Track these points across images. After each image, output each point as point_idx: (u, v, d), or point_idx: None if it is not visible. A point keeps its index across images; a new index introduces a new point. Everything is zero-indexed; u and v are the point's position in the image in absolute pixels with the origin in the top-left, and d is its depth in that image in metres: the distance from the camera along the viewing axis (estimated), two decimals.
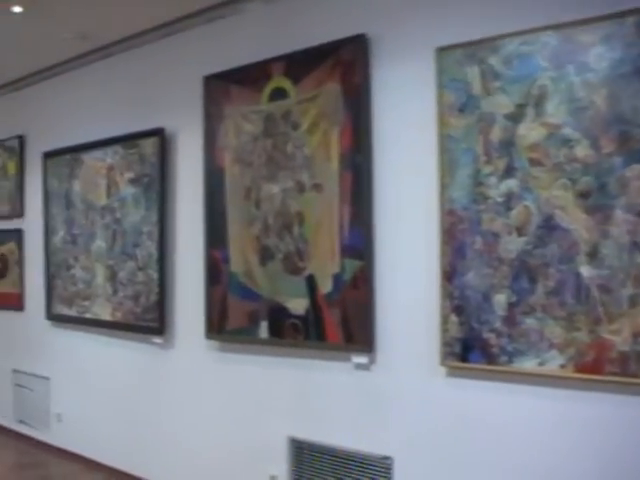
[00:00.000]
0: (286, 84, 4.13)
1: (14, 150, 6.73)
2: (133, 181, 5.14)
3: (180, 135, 4.91)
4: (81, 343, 5.85)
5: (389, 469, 3.71)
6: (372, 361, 3.76)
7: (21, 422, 6.68)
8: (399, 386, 3.66)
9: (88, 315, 5.61)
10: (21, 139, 6.65)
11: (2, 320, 6.95)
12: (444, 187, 3.37)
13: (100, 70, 5.65)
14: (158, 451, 5.08)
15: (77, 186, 5.74)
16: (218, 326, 4.44)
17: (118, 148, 5.30)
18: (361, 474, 3.83)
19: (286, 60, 4.13)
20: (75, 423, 5.94)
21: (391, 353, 3.68)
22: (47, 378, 6.25)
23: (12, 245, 6.69)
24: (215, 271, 4.45)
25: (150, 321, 4.97)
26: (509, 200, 3.16)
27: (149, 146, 5.01)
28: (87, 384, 5.80)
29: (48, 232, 6.09)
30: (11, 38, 5.26)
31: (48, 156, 6.11)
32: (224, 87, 4.47)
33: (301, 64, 4.04)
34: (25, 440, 6.57)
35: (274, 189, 4.14)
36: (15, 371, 6.75)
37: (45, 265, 6.13)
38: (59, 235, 5.95)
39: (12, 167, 6.75)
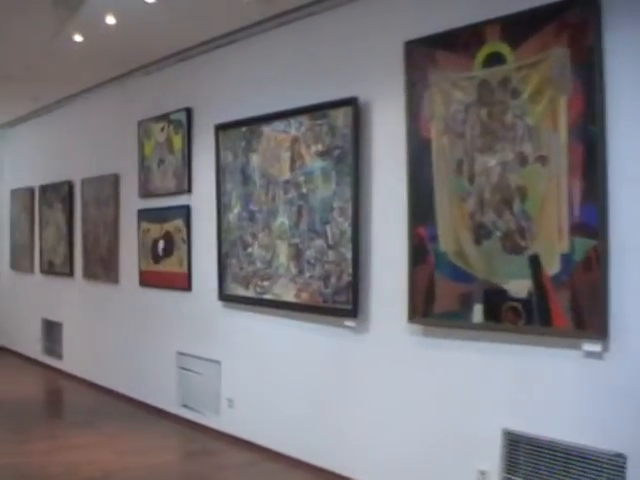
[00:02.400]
0: (503, 48, 4.22)
1: (180, 123, 7.12)
2: (322, 154, 5.37)
3: (375, 104, 5.08)
4: (257, 325, 6.16)
5: (622, 468, 3.76)
6: (605, 349, 3.82)
7: (185, 407, 7.11)
8: (636, 378, 3.70)
9: (268, 296, 5.90)
10: (188, 112, 7.02)
11: (166, 301, 7.39)
12: None
13: (284, 36, 5.90)
14: (346, 442, 5.31)
15: (256, 160, 6.03)
16: (423, 309, 4.61)
17: (304, 119, 5.53)
18: (586, 473, 3.88)
19: (502, 23, 4.21)
20: (248, 409, 6.28)
21: (628, 342, 3.73)
22: (217, 361, 6.62)
23: (178, 222, 7.09)
24: (420, 250, 4.62)
25: (342, 303, 5.19)
26: None
27: (340, 116, 5.22)
28: (263, 368, 6.11)
29: (221, 209, 6.42)
30: (184, 5, 5.57)
31: (221, 129, 6.44)
32: (429, 53, 4.60)
33: (520, 27, 4.11)
34: (190, 425, 6.98)
35: (491, 162, 4.25)
36: (180, 354, 7.18)
37: (218, 243, 6.48)
38: (234, 212, 6.27)
39: (178, 141, 7.15)
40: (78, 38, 6.23)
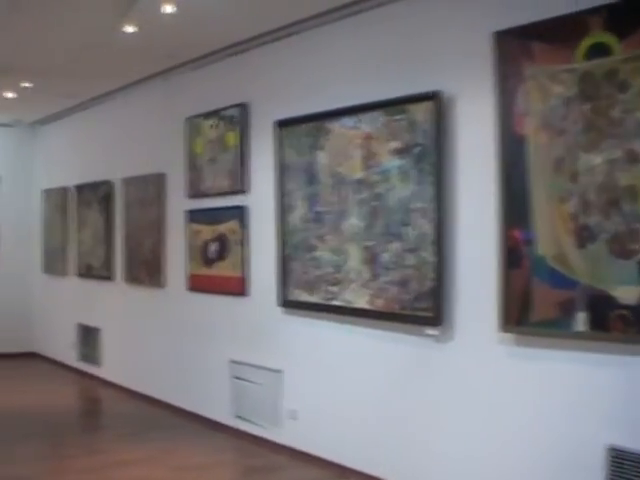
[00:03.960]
0: (608, 39, 4.10)
1: (234, 120, 7.05)
2: (399, 152, 5.27)
3: (460, 99, 4.98)
4: (324, 333, 6.07)
5: None
6: None
7: (240, 418, 7.03)
8: None
9: (337, 302, 5.81)
10: (244, 107, 6.95)
11: (217, 306, 7.33)
12: None
13: (353, 27, 5.81)
14: (424, 459, 5.21)
15: (323, 158, 5.94)
16: (517, 317, 4.50)
17: (378, 114, 5.44)
18: None
19: (607, 11, 4.10)
20: (314, 421, 6.19)
21: None
22: (279, 371, 6.54)
23: (233, 224, 7.02)
24: (514, 254, 4.51)
25: (423, 310, 5.09)
26: None
27: (421, 112, 5.12)
28: (330, 378, 6.02)
29: (283, 210, 6.34)
30: None
31: (283, 125, 6.35)
32: (523, 44, 4.49)
33: (628, 16, 4.01)
34: (246, 438, 6.90)
35: (596, 160, 4.14)
36: (233, 362, 7.10)
37: (279, 246, 6.39)
38: (297, 213, 6.18)
39: (232, 138, 7.08)
40: (131, 29, 6.14)
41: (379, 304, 5.44)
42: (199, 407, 7.63)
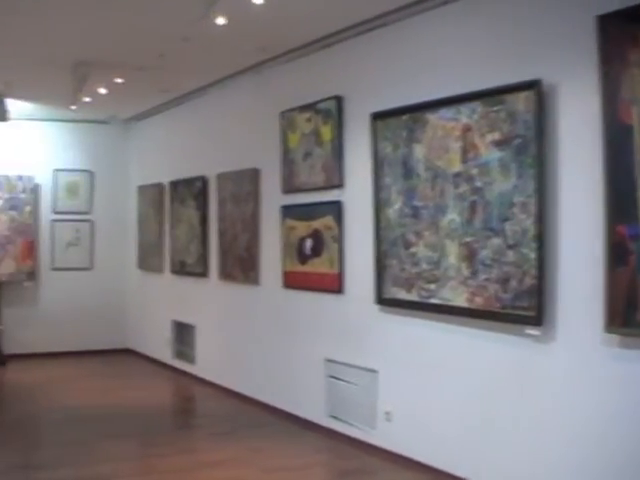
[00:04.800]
0: None
1: (330, 113, 7.10)
2: (499, 143, 5.23)
3: (561, 87, 4.90)
4: (421, 332, 6.07)
5: None
6: None
7: (334, 418, 7.08)
8: None
9: (434, 300, 5.81)
10: (339, 100, 6.99)
11: (313, 304, 7.40)
12: None
13: (449, 14, 5.79)
14: (524, 463, 5.15)
15: (420, 151, 5.94)
16: (623, 317, 4.41)
17: (476, 105, 5.41)
18: None
19: None
20: (409, 423, 6.20)
21: None
22: (374, 371, 6.57)
23: (328, 219, 7.08)
24: (620, 250, 4.41)
25: (523, 309, 5.05)
26: None
27: (521, 101, 5.07)
28: (426, 379, 6.03)
29: (379, 204, 6.36)
30: None
31: (378, 117, 6.38)
32: (628, 28, 4.39)
33: None
34: (340, 439, 6.95)
35: None
36: (329, 361, 7.16)
37: (375, 242, 6.42)
38: (394, 208, 6.20)
39: (327, 132, 7.14)
40: (221, 21, 6.20)
41: (478, 302, 5.41)
42: (292, 406, 7.74)
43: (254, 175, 8.42)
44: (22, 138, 11.63)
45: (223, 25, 6.14)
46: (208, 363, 9.67)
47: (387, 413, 6.42)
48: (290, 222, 7.66)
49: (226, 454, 6.62)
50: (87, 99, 9.05)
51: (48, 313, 11.79)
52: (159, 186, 10.98)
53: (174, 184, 10.47)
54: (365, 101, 6.66)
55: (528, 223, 5.02)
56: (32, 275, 11.69)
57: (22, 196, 11.58)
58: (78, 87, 8.46)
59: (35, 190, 11.76)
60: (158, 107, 10.76)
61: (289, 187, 7.71)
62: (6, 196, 11.49)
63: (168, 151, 10.85)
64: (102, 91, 8.73)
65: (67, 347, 11.72)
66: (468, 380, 5.63)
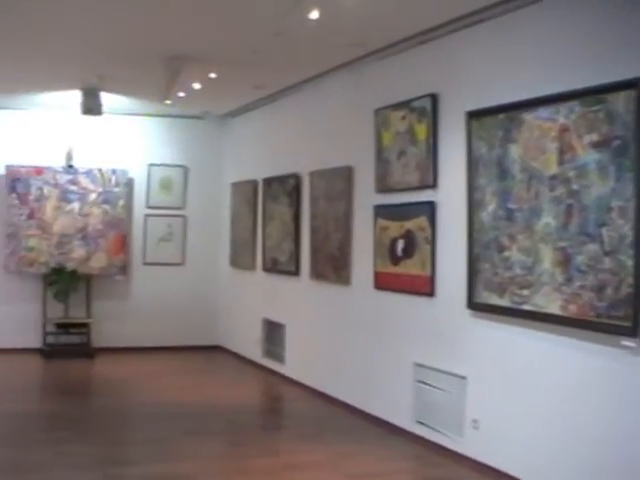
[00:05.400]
0: None
1: (424, 111, 7.10)
2: (597, 145, 5.15)
3: None
4: (512, 339, 6.02)
5: None
6: None
7: (421, 423, 7.08)
8: None
9: (527, 307, 5.76)
10: (434, 98, 6.98)
11: (404, 306, 7.41)
12: None
13: (548, 10, 5.72)
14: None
15: (515, 152, 5.89)
16: None
17: (574, 105, 5.34)
18: None
19: None
20: (496, 432, 6.14)
21: None
22: (463, 377, 6.54)
23: (421, 220, 7.08)
24: None
25: (618, 319, 4.95)
26: None
27: (620, 101, 4.98)
28: (515, 387, 5.97)
29: (473, 206, 6.33)
30: None
31: (473, 116, 6.35)
32: None
33: None
34: (427, 446, 6.95)
35: None
36: (418, 365, 7.16)
37: (468, 245, 6.39)
38: (488, 210, 6.16)
39: (422, 131, 7.14)
40: (314, 15, 6.22)
41: (572, 310, 5.34)
42: (379, 410, 7.77)
43: (348, 173, 8.47)
44: (117, 132, 11.98)
45: (316, 20, 6.17)
46: (297, 363, 9.78)
47: (475, 421, 6.38)
48: (383, 222, 7.69)
49: (311, 457, 6.69)
50: (181, 94, 9.23)
51: (138, 307, 12.11)
52: (253, 183, 11.14)
53: (268, 181, 10.61)
54: (460, 99, 6.64)
55: (626, 229, 4.92)
56: (123, 269, 12.01)
57: (115, 190, 11.91)
58: (171, 81, 8.65)
59: (129, 184, 12.09)
60: (253, 103, 10.92)
61: (382, 186, 7.73)
62: (99, 190, 11.84)
63: (262, 148, 11.00)
64: (196, 86, 8.90)
65: (156, 342, 12.01)
66: (559, 390, 5.55)
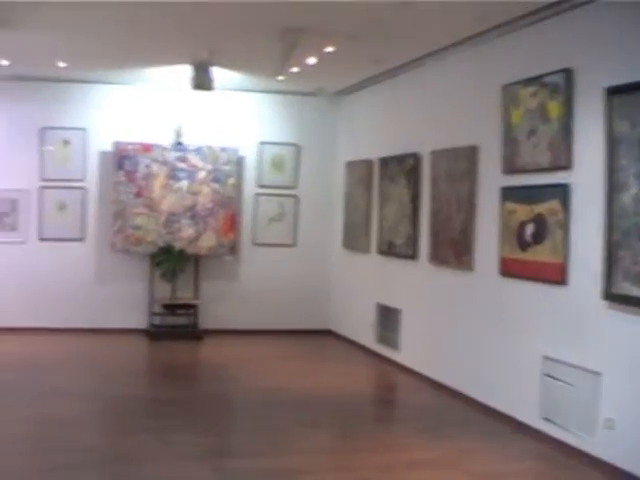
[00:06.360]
0: None
1: (558, 87, 6.86)
2: None
3: None
4: None
5: None
6: None
7: (546, 420, 6.89)
8: None
9: None
10: (568, 73, 6.74)
11: (532, 295, 7.21)
12: None
13: None
14: None
15: None
16: None
17: None
18: None
19: None
20: (634, 434, 5.90)
21: None
22: (597, 373, 6.31)
23: (554, 203, 6.85)
24: None
25: None
26: None
27: None
28: None
29: (612, 189, 6.09)
30: None
31: (613, 93, 6.10)
32: None
33: None
34: (553, 445, 6.74)
35: None
36: (547, 358, 6.95)
37: (605, 231, 6.15)
38: (629, 193, 5.91)
39: (554, 108, 6.90)
40: None
41: None
42: (501, 404, 7.60)
43: (472, 153, 8.29)
44: (227, 109, 12.03)
45: None
46: (413, 351, 9.66)
47: (609, 420, 6.14)
48: (510, 205, 7.48)
49: (431, 454, 6.54)
50: (295, 69, 9.17)
51: (247, 289, 12.16)
52: (368, 162, 11.04)
53: (384, 161, 10.49)
54: (598, 75, 6.39)
55: None
56: (233, 249, 12.07)
57: (225, 168, 11.95)
58: (286, 56, 8.52)
59: (239, 162, 12.12)
60: (370, 79, 10.80)
61: (510, 167, 7.53)
62: (209, 167, 11.90)
63: (379, 126, 10.89)
64: (311, 61, 8.81)
65: (265, 325, 12.07)
66: None
